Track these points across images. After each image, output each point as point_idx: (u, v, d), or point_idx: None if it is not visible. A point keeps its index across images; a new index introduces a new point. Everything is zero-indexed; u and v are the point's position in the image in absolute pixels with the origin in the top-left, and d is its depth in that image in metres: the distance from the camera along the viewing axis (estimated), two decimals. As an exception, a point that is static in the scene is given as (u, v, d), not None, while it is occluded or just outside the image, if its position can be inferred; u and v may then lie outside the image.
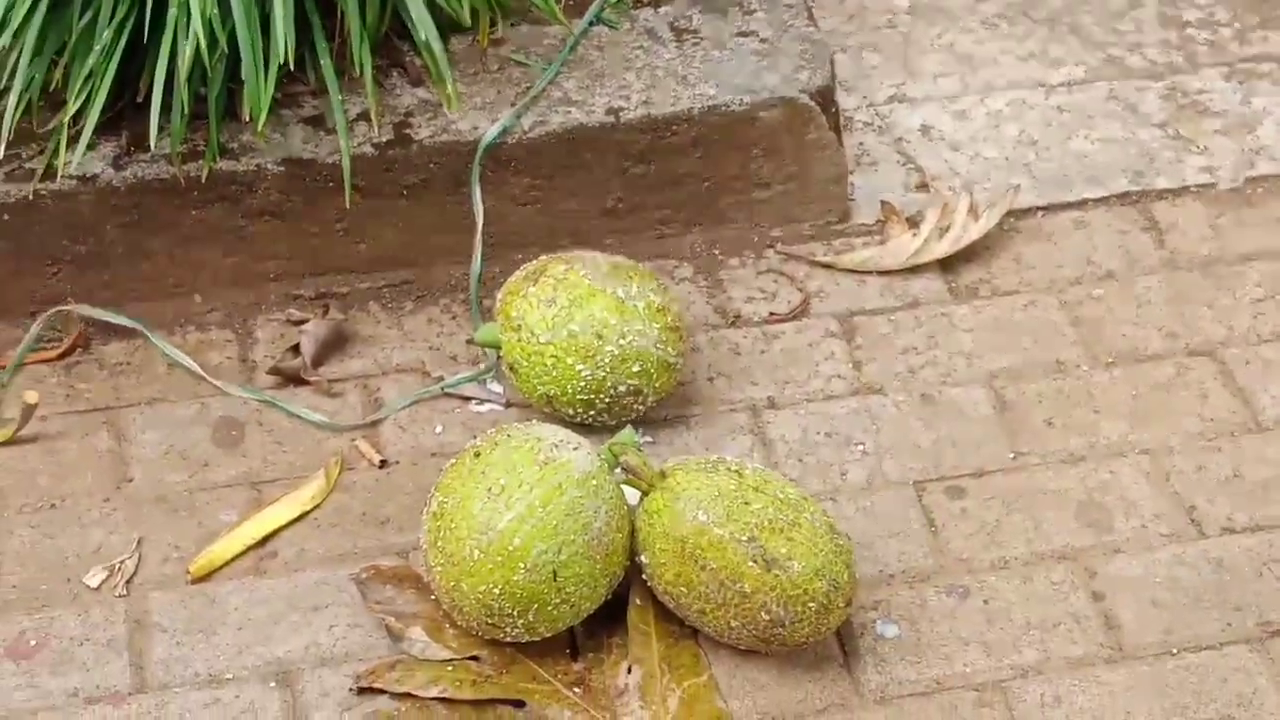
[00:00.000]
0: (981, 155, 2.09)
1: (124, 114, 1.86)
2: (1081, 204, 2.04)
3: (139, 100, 1.84)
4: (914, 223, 1.99)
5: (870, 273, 1.95)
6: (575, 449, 1.58)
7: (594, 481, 1.56)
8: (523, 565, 1.52)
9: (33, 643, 1.61)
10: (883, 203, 2.00)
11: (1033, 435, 1.80)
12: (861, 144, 2.09)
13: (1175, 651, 1.61)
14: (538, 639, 1.58)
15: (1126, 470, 1.76)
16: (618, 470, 1.61)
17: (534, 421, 1.64)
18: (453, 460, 1.60)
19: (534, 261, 1.80)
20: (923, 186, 2.03)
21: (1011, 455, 1.78)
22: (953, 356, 1.88)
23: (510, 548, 1.52)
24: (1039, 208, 2.03)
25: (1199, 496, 1.74)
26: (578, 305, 1.73)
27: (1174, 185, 2.05)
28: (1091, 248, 1.99)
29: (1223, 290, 1.94)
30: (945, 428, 1.80)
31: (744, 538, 1.54)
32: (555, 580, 1.53)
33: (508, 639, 1.57)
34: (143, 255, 1.88)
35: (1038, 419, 1.81)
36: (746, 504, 1.56)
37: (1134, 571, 1.67)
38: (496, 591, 1.53)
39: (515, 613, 1.54)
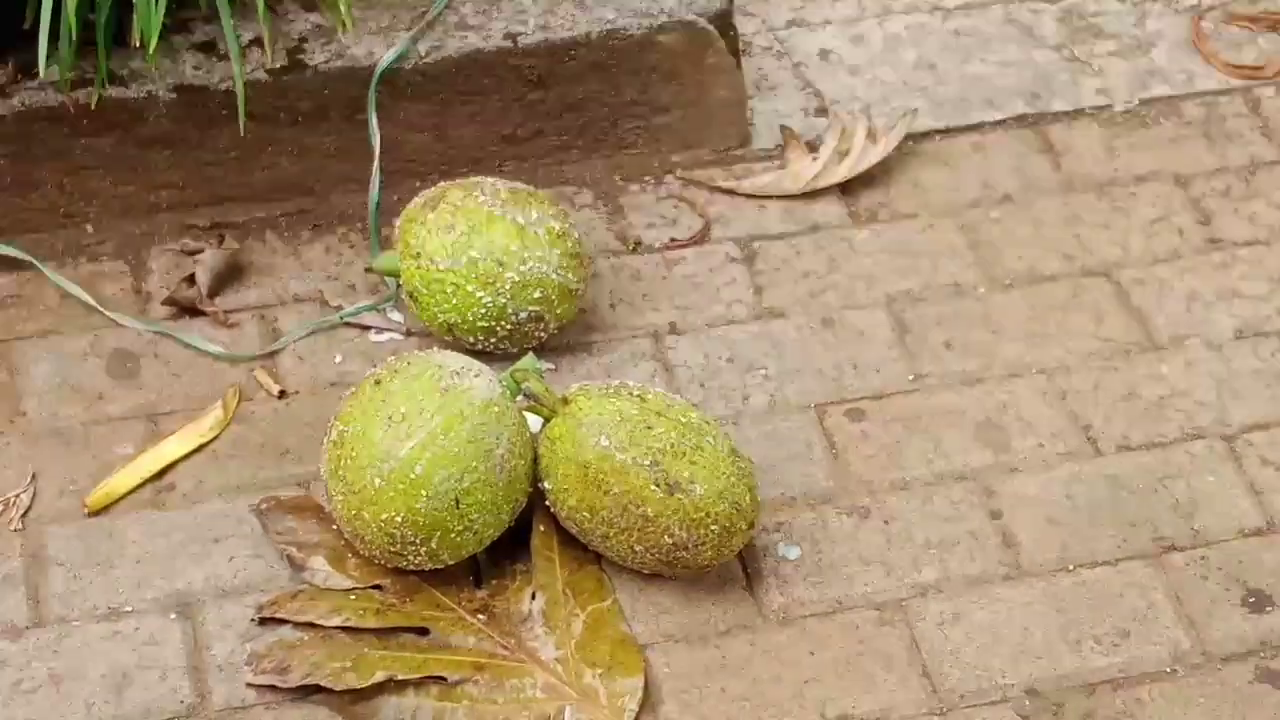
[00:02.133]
0: (880, 79, 2.09)
1: (10, 41, 1.82)
2: (979, 127, 2.05)
3: (26, 27, 1.80)
4: (814, 147, 1.99)
5: (770, 198, 1.95)
6: (476, 376, 1.57)
7: (496, 408, 1.55)
8: (425, 493, 1.52)
9: (-74, 579, 1.59)
10: (782, 128, 2.00)
11: (932, 357, 1.81)
12: (760, 68, 2.09)
13: (1072, 568, 1.63)
14: (441, 566, 1.57)
15: (1024, 390, 1.78)
16: (520, 397, 1.61)
17: (435, 349, 1.63)
18: (352, 389, 1.59)
19: (432, 188, 1.78)
20: (822, 111, 2.03)
21: (911, 377, 1.79)
22: (853, 280, 1.88)
23: (412, 476, 1.52)
24: (937, 131, 2.04)
25: (1095, 415, 1.76)
26: (477, 232, 1.72)
27: (1070, 108, 2.07)
28: (989, 171, 2.00)
29: (1118, 212, 1.96)
30: (846, 351, 1.81)
31: (646, 462, 1.54)
32: (458, 508, 1.53)
33: (410, 567, 1.57)
34: (31, 185, 1.84)
35: (936, 341, 1.82)
36: (649, 428, 1.56)
37: (1031, 490, 1.69)
38: (399, 520, 1.52)
39: (418, 541, 1.54)
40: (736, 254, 1.91)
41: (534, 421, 1.61)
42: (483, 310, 1.73)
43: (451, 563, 1.57)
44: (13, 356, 1.77)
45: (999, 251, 1.91)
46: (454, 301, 1.73)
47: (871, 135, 1.96)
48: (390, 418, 1.53)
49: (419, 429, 1.52)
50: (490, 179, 1.78)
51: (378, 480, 1.52)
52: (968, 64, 2.11)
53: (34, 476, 1.67)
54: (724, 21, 1.94)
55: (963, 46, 2.13)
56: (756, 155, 2.00)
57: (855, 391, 1.77)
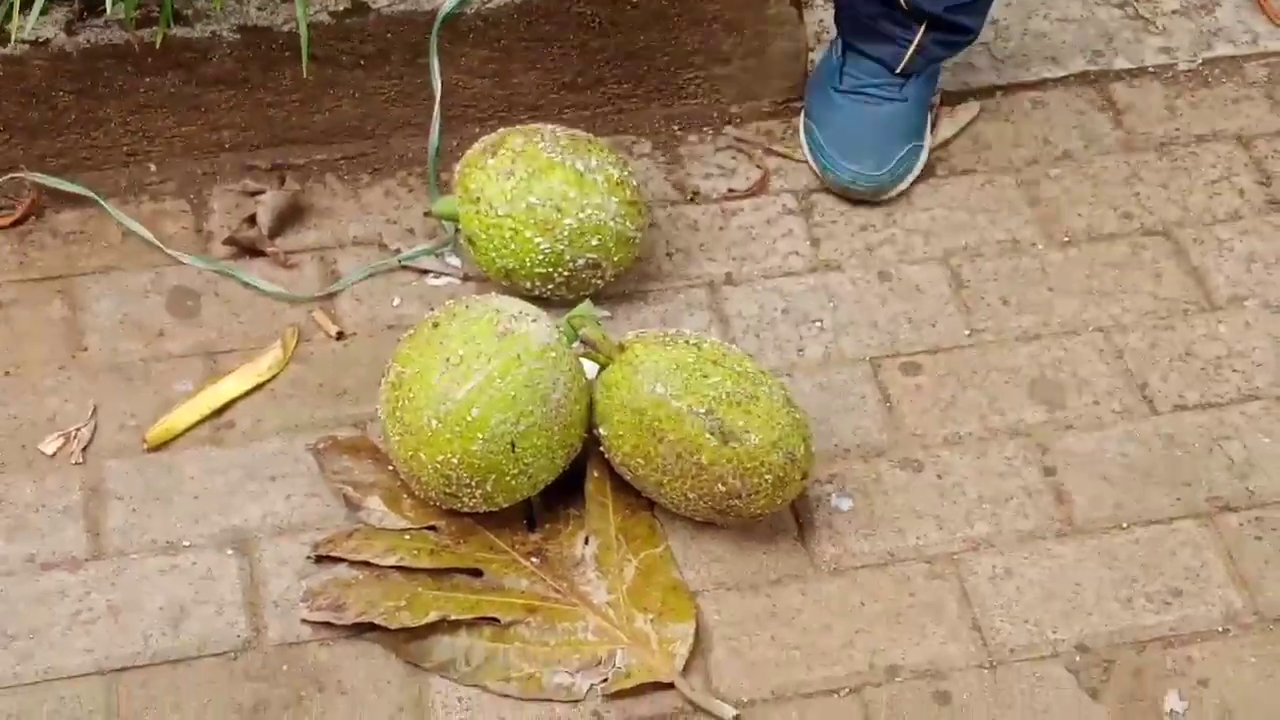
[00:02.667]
0: (942, 34, 2.08)
1: (76, -22, 1.83)
2: (1040, 84, 2.04)
3: (92, -36, 1.81)
4: (873, 100, 1.98)
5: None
6: (534, 321, 1.57)
7: (552, 353, 1.56)
8: (481, 435, 1.53)
9: (-12, 509, 1.61)
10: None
11: (988, 313, 1.81)
12: (821, 21, 2.08)
13: (1125, 526, 1.63)
14: (495, 509, 1.59)
15: (1080, 348, 1.78)
16: (576, 343, 1.62)
17: (492, 294, 1.63)
18: (410, 331, 1.60)
19: (493, 134, 1.78)
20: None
21: (967, 332, 1.79)
22: (910, 235, 1.88)
23: (468, 418, 1.53)
24: (998, 87, 2.03)
25: (1151, 374, 1.75)
26: (536, 178, 1.73)
27: (1132, 66, 2.05)
28: (1049, 128, 1.99)
29: (1178, 171, 1.95)
30: (901, 305, 1.81)
31: (702, 410, 1.55)
32: (513, 451, 1.54)
33: (465, 509, 1.58)
34: (96, 123, 1.86)
35: (993, 297, 1.82)
36: (705, 377, 1.56)
37: (1086, 447, 1.69)
38: (455, 461, 1.53)
39: (473, 483, 1.55)
40: (794, 206, 1.91)
41: (590, 368, 1.62)
42: (540, 256, 1.73)
43: (506, 505, 1.58)
44: (75, 292, 1.79)
45: (1058, 209, 1.91)
46: (512, 247, 1.73)
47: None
48: (448, 360, 1.53)
49: (476, 372, 1.53)
50: (550, 126, 1.78)
51: (434, 422, 1.53)
52: (1030, 20, 2.10)
53: (95, 411, 1.69)
54: (787, -28, 1.93)
55: (1025, 3, 2.12)
56: (816, 108, 2.00)
57: (911, 345, 1.78)
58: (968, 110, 1.98)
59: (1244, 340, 1.78)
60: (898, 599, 1.57)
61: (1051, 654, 1.54)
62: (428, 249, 1.84)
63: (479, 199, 1.74)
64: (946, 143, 1.96)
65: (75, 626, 1.53)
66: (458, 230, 1.78)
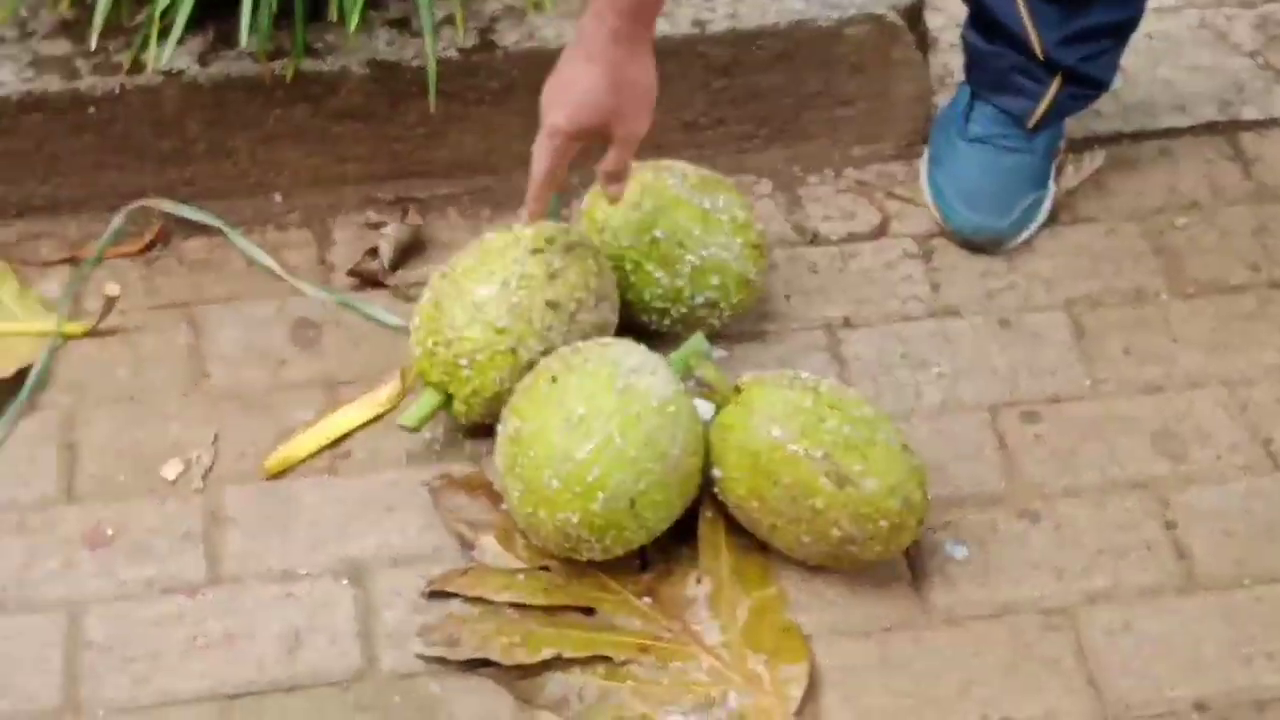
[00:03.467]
0: (1067, 80, 2.06)
1: (212, 11, 1.86)
2: (1168, 133, 2.02)
3: (227, -2, 1.84)
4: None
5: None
6: (653, 374, 1.57)
7: (671, 408, 1.55)
8: (601, 495, 1.53)
9: (110, 532, 1.63)
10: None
11: (1110, 363, 1.79)
12: (946, 64, 2.07)
13: (1247, 583, 1.61)
14: (612, 558, 1.59)
15: (1203, 401, 1.75)
16: (691, 383, 1.61)
17: (610, 340, 1.63)
18: (527, 382, 1.60)
19: (625, 168, 1.79)
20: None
21: (1088, 382, 1.77)
22: (1031, 282, 1.86)
23: (589, 479, 1.52)
24: (1124, 135, 2.01)
25: (1276, 429, 1.73)
26: (662, 212, 1.73)
27: (1262, 116, 2.03)
28: (1176, 177, 1.97)
29: (1308, 224, 1.92)
30: (1022, 353, 1.80)
31: (818, 454, 1.54)
32: (633, 509, 1.54)
33: (583, 559, 1.58)
34: (225, 153, 1.88)
35: (1116, 347, 1.80)
36: (821, 420, 1.56)
37: (1208, 502, 1.67)
38: (575, 520, 1.53)
39: (593, 539, 1.55)
40: (914, 250, 1.90)
41: (704, 408, 1.62)
42: (659, 290, 1.74)
43: (622, 555, 1.58)
44: (200, 320, 1.82)
45: (1183, 259, 1.89)
46: (632, 280, 1.74)
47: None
48: (568, 419, 1.53)
49: (596, 431, 1.53)
50: (682, 163, 1.79)
51: (555, 482, 1.53)
52: (1158, 68, 2.08)
53: (216, 438, 1.71)
54: (913, 15, 1.93)
55: (1154, 50, 2.10)
56: (938, 152, 1.99)
57: (1030, 394, 1.76)
58: (1093, 159, 1.96)
59: (1373, 397, 1.75)
60: (1012, 651, 1.56)
61: (1169, 712, 1.52)
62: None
63: (604, 229, 1.75)
64: (1071, 192, 1.94)
65: (192, 651, 1.55)
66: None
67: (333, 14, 1.80)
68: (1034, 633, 1.57)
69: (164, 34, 1.79)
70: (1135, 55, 2.09)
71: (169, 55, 1.80)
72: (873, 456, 1.55)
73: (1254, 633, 1.57)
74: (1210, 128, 2.02)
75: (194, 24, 1.84)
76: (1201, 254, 1.89)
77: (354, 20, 1.76)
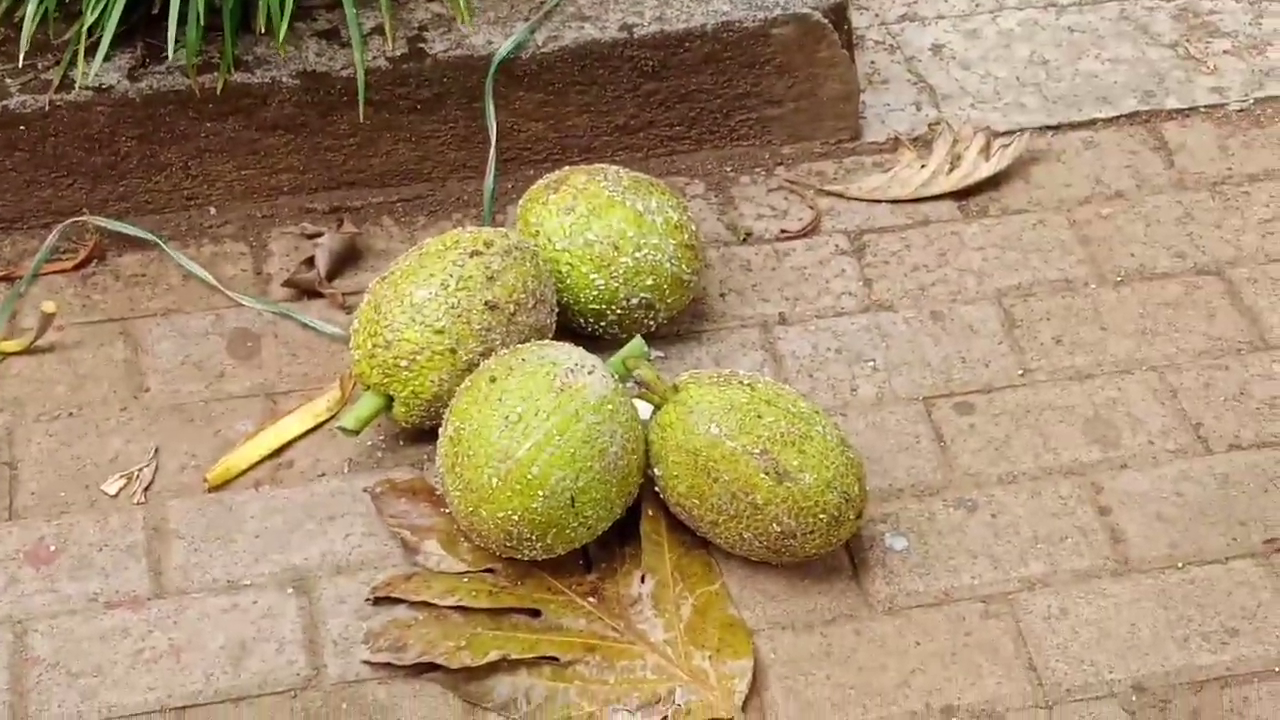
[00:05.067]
0: (992, 74, 2.09)
1: (140, 26, 1.86)
2: (1091, 124, 2.05)
3: (154, 12, 1.84)
4: (926, 143, 1.99)
5: (878, 202, 1.96)
6: (590, 373, 1.58)
7: (610, 406, 1.57)
8: (541, 493, 1.54)
9: (52, 548, 1.63)
10: (895, 137, 2.00)
11: (1041, 352, 1.81)
12: (873, 62, 2.10)
13: (1180, 565, 1.63)
14: (554, 557, 1.60)
15: (1134, 387, 1.78)
16: (630, 384, 1.63)
17: (548, 342, 1.65)
18: (467, 383, 1.61)
19: (557, 171, 1.81)
20: (935, 125, 2.03)
21: (1020, 372, 1.80)
22: (962, 274, 1.89)
23: (529, 476, 1.54)
24: (1049, 127, 2.04)
25: (1205, 413, 1.76)
26: (596, 215, 1.75)
27: (1183, 105, 2.06)
28: (1101, 167, 2.00)
29: (1231, 210, 1.95)
30: (954, 345, 1.82)
31: (756, 450, 1.56)
32: (573, 506, 1.55)
33: (525, 559, 1.59)
34: (157, 167, 1.88)
35: (1046, 336, 1.83)
36: (759, 417, 1.57)
37: (1140, 486, 1.69)
38: (515, 518, 1.55)
39: (534, 537, 1.56)
40: (846, 246, 1.92)
41: (643, 408, 1.63)
42: (595, 293, 1.75)
43: (564, 554, 1.59)
44: (137, 334, 1.82)
45: (1110, 248, 1.91)
46: (567, 282, 1.75)
47: (985, 151, 1.96)
48: (507, 418, 1.55)
49: (535, 429, 1.54)
50: (614, 167, 1.80)
51: (495, 480, 1.54)
52: (1081, 61, 2.11)
53: (156, 451, 1.71)
54: (838, 15, 1.95)
55: (1076, 43, 2.13)
56: (868, 149, 2.01)
57: (964, 385, 1.78)
58: (1019, 141, 1.98)
59: (1298, 379, 1.79)
60: (953, 639, 1.58)
61: (1108, 694, 1.54)
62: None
63: (538, 233, 1.76)
64: (999, 175, 1.96)
65: (138, 665, 1.55)
66: None
67: (260, 26, 1.80)
68: (973, 620, 1.59)
69: (92, 50, 1.79)
70: (1057, 48, 2.12)
71: (96, 71, 1.80)
72: (810, 451, 1.57)
73: (1189, 614, 1.60)
74: (1133, 118, 2.05)
75: (122, 39, 1.85)
76: (1128, 243, 1.92)
77: (282, 31, 1.76)
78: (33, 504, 1.67)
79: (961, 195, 1.97)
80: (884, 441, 1.73)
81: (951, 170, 1.97)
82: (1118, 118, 2.05)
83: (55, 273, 1.87)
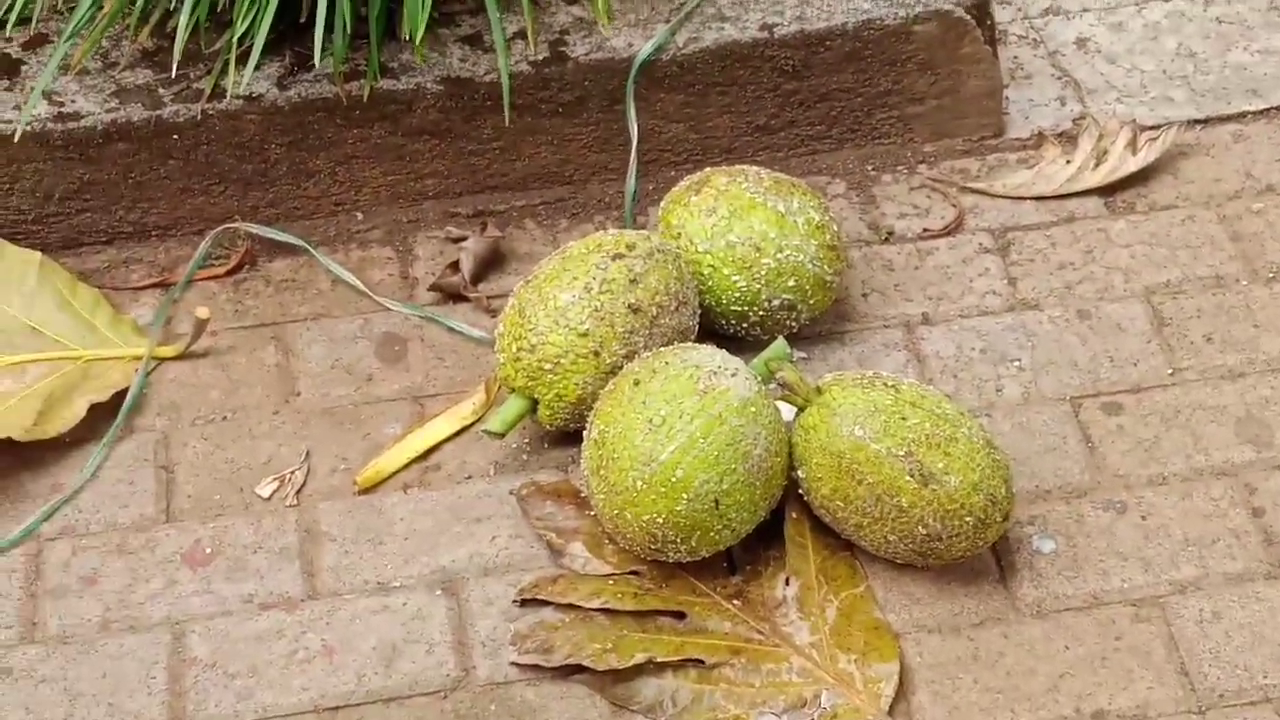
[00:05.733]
0: (1138, 68, 2.06)
1: (288, 35, 1.89)
2: (1241, 117, 2.01)
3: (302, 21, 1.87)
4: (1071, 138, 1.97)
5: (1023, 199, 1.94)
6: (733, 375, 1.59)
7: (753, 408, 1.57)
8: (685, 495, 1.55)
9: (208, 550, 1.67)
10: (1040, 132, 1.98)
11: (1191, 351, 1.79)
12: (1016, 57, 2.08)
13: (1337, 568, 1.61)
14: (698, 560, 1.60)
15: (1287, 386, 1.75)
16: (773, 385, 1.63)
17: (691, 344, 1.65)
18: (610, 386, 1.62)
19: (698, 173, 1.81)
20: (1080, 120, 2.01)
21: (1170, 371, 1.77)
22: (1110, 272, 1.87)
23: (673, 479, 1.54)
24: (1197, 121, 2.00)
25: (1362, 413, 1.72)
26: (738, 216, 1.75)
27: (1337, 97, 2.02)
28: (1251, 161, 1.96)
29: (1387, 204, 1.91)
30: (1102, 344, 1.80)
31: (901, 452, 1.55)
32: (717, 508, 1.56)
33: (670, 561, 1.60)
34: (306, 174, 1.92)
35: (1197, 334, 1.80)
36: (903, 419, 1.57)
37: (1295, 488, 1.67)
38: (660, 520, 1.55)
39: (678, 539, 1.57)
40: (990, 244, 1.90)
41: (786, 410, 1.63)
42: (736, 295, 1.75)
43: (708, 555, 1.60)
44: (288, 338, 1.85)
45: (1261, 243, 1.88)
46: (709, 284, 1.75)
47: (1132, 145, 1.93)
48: (650, 421, 1.55)
49: (679, 433, 1.55)
50: (755, 167, 1.80)
51: (639, 483, 1.55)
52: (1230, 52, 2.07)
53: (308, 454, 1.74)
54: (981, 10, 1.93)
55: (1224, 34, 2.09)
56: (1011, 145, 1.99)
57: (1112, 384, 1.76)
58: (1168, 134, 1.95)
59: None
60: (1103, 643, 1.56)
61: (1262, 699, 1.52)
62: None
63: (680, 234, 1.77)
64: (1149, 168, 1.94)
65: (292, 665, 1.58)
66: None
67: (406, 33, 1.83)
68: (1124, 624, 1.58)
69: (242, 59, 1.82)
70: (1205, 40, 2.09)
71: (247, 80, 1.84)
72: (955, 453, 1.56)
73: (1345, 617, 1.57)
74: (1284, 110, 2.01)
75: (270, 48, 1.88)
76: (1279, 238, 1.89)
77: (419, 35, 1.78)
78: (189, 507, 1.70)
79: (1108, 191, 1.94)
80: (1030, 443, 1.72)
81: (1097, 166, 1.94)
82: (1268, 110, 2.01)
83: (208, 279, 1.91)
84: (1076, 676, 1.54)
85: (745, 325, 1.78)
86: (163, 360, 1.82)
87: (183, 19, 1.80)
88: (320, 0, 1.79)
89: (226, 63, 1.84)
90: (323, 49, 1.80)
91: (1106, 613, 1.58)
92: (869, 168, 1.99)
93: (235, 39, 1.81)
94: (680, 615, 1.59)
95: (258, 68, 1.86)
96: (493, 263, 1.90)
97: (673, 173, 1.94)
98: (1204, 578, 1.60)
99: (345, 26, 1.81)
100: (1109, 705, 1.52)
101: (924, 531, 1.56)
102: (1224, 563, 1.61)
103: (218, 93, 1.86)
